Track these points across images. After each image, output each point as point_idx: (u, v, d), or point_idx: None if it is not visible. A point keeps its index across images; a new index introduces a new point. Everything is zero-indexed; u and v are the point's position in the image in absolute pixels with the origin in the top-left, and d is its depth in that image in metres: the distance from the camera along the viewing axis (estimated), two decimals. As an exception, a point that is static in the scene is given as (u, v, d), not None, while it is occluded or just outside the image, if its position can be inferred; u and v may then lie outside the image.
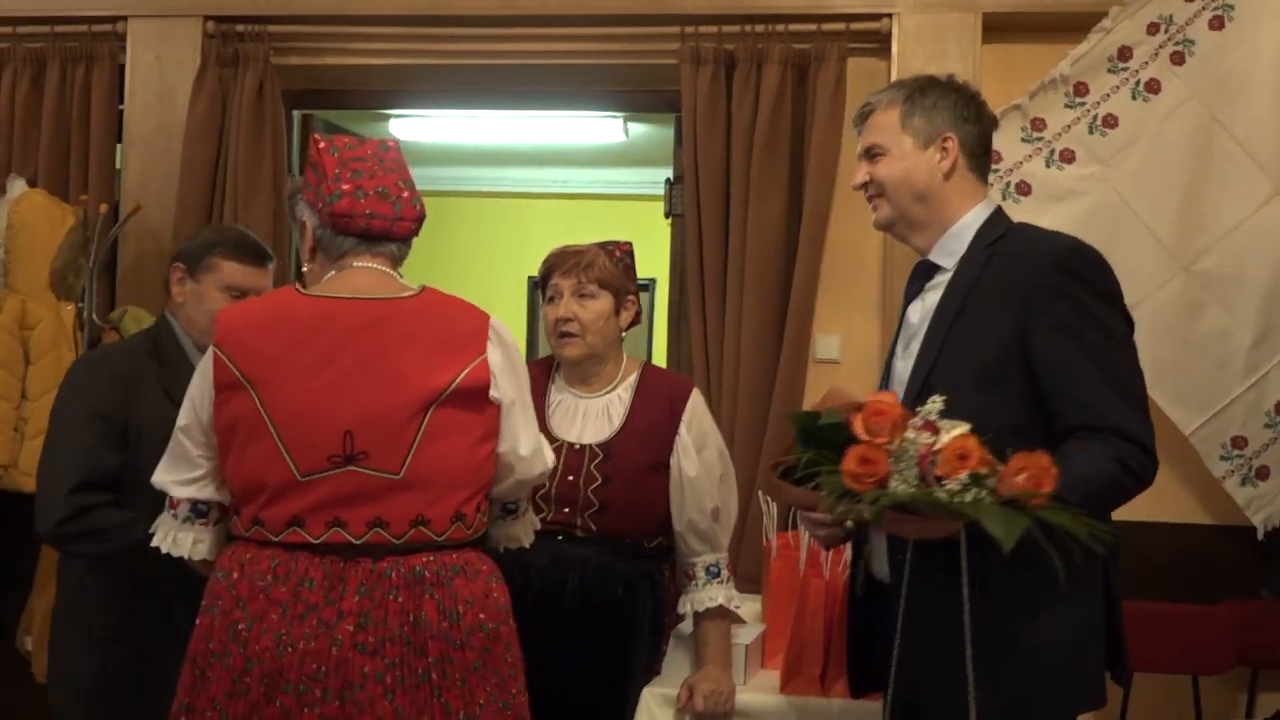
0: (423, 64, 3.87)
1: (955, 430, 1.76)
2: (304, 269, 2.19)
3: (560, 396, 2.63)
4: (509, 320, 2.17)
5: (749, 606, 2.77)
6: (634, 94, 4.10)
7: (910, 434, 1.78)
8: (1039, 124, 3.51)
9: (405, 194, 2.09)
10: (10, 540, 3.62)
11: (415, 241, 2.16)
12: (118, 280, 3.86)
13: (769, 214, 3.59)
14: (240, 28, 3.82)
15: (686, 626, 2.62)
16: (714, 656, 2.54)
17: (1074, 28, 3.50)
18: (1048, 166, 3.50)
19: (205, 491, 2.05)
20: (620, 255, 2.65)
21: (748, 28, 3.64)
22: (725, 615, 2.57)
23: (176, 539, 2.06)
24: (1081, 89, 3.48)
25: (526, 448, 2.11)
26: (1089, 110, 3.48)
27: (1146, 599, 3.25)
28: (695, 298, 3.67)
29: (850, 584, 2.20)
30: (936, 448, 1.75)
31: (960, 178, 2.15)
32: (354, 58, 3.88)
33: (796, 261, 3.59)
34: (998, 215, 2.16)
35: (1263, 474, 3.44)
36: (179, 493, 2.05)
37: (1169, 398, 3.40)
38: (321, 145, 2.09)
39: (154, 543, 2.08)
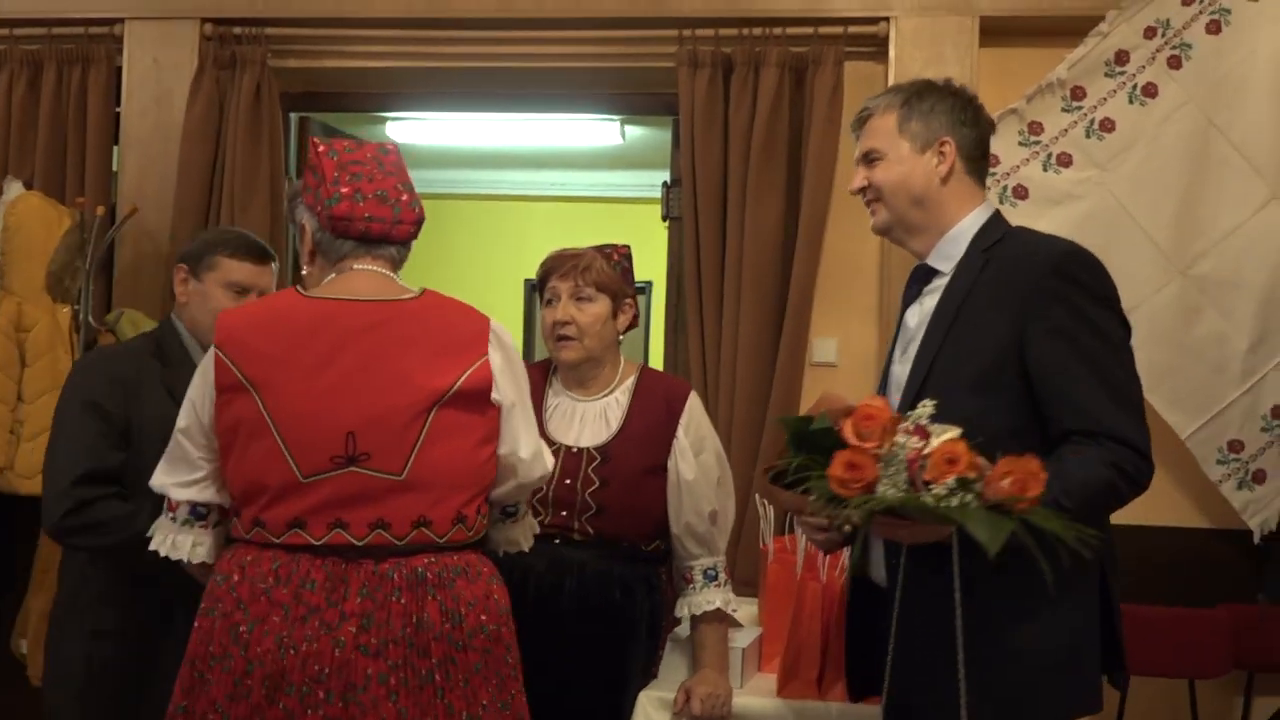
0: (420, 67, 3.87)
1: (945, 434, 1.76)
2: (303, 272, 2.20)
3: (557, 400, 2.63)
4: (506, 323, 2.17)
5: (746, 610, 2.77)
6: (631, 97, 4.08)
7: (900, 438, 1.77)
8: (1036, 128, 3.51)
9: (404, 197, 2.09)
10: (6, 542, 3.62)
11: (413, 244, 2.16)
12: (114, 282, 3.85)
13: (766, 217, 3.59)
14: (238, 30, 3.81)
15: (684, 630, 2.62)
16: (711, 660, 2.54)
17: (1071, 32, 3.50)
18: (1045, 170, 3.50)
19: (205, 494, 2.05)
20: (618, 258, 2.65)
21: (745, 31, 3.64)
22: (722, 619, 2.57)
23: (175, 542, 2.06)
24: (1078, 93, 3.49)
25: (527, 450, 2.11)
26: (1086, 114, 3.49)
27: (1143, 602, 3.25)
28: (692, 301, 3.66)
29: (846, 587, 2.20)
30: (926, 452, 1.74)
31: (958, 182, 2.14)
32: (352, 60, 3.88)
33: (794, 265, 3.59)
34: (995, 219, 2.15)
35: (1259, 478, 3.45)
36: (179, 495, 2.05)
37: (1166, 402, 3.40)
38: (321, 148, 2.09)
39: (152, 546, 2.07)
